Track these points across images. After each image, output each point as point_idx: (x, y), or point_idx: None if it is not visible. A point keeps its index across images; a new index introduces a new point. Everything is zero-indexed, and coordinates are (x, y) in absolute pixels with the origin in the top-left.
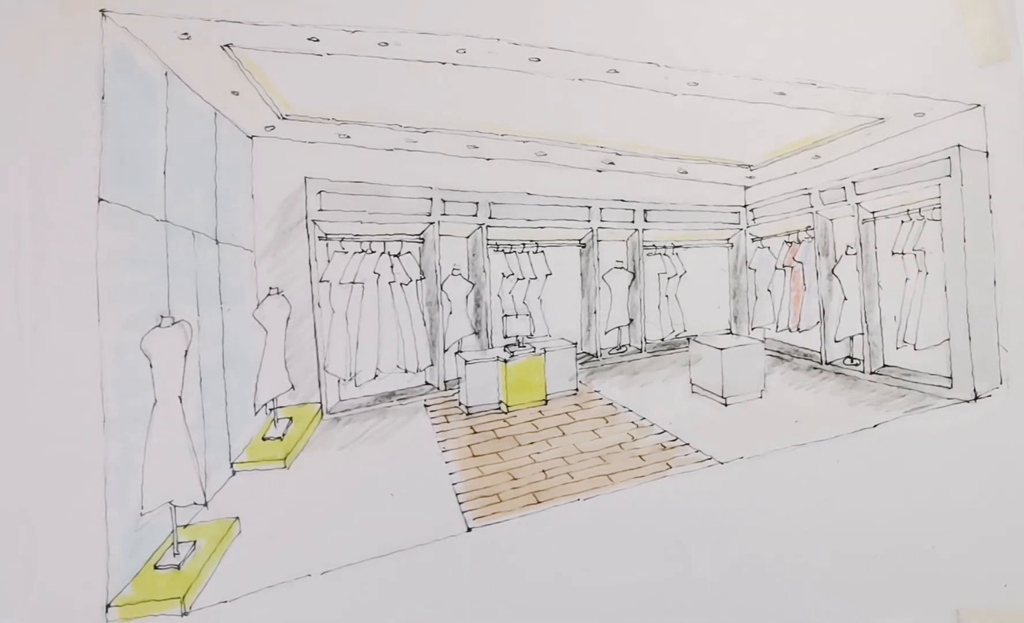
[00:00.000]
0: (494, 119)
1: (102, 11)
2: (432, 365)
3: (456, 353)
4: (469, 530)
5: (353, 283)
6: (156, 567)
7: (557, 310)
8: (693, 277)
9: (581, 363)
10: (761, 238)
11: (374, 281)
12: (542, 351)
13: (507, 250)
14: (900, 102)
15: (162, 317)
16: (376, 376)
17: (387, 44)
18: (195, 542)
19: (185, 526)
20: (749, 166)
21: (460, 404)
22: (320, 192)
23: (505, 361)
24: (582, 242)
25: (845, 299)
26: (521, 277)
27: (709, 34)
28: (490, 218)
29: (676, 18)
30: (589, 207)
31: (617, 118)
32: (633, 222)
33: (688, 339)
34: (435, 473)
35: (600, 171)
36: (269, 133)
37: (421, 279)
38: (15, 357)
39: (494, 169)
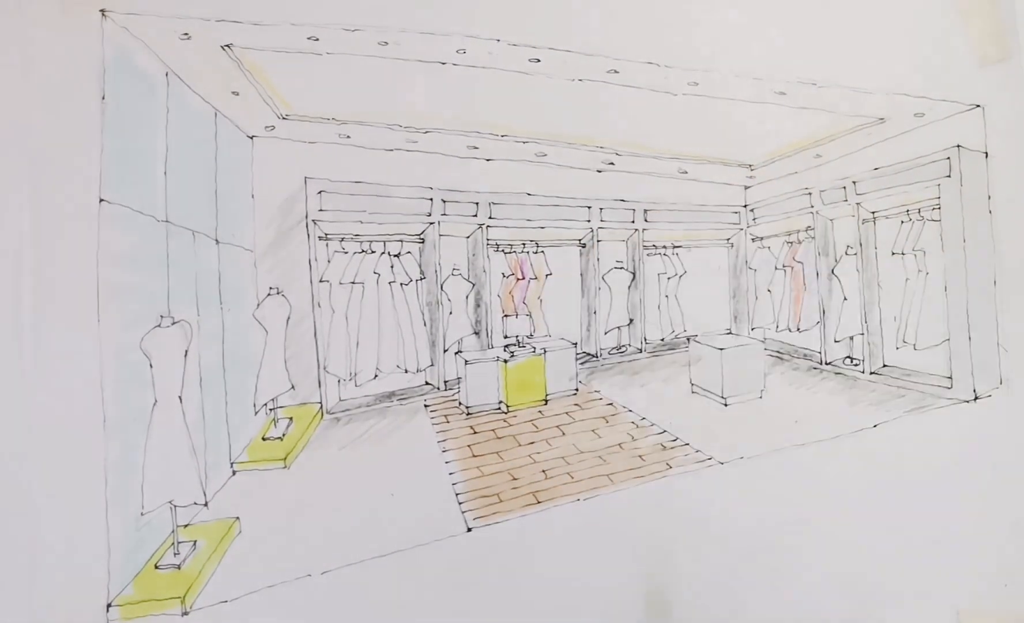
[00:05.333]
0: (494, 119)
1: (102, 11)
2: (432, 365)
3: (456, 353)
4: (469, 530)
5: (353, 283)
6: (157, 567)
7: (557, 310)
8: (693, 277)
9: (581, 363)
10: (761, 238)
11: (374, 281)
12: (542, 351)
13: (507, 250)
14: (900, 102)
15: (162, 317)
16: (376, 376)
17: (387, 44)
18: (195, 542)
19: (185, 526)
20: (750, 166)
21: (460, 404)
22: (320, 192)
23: (505, 361)
24: (582, 242)
25: (845, 299)
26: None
27: (709, 34)
28: (490, 218)
29: (676, 18)
30: (589, 207)
31: (617, 118)
32: (633, 222)
33: (688, 339)
34: (435, 473)
35: (600, 171)
36: (269, 133)
37: (421, 279)
38: (15, 357)
39: (494, 169)
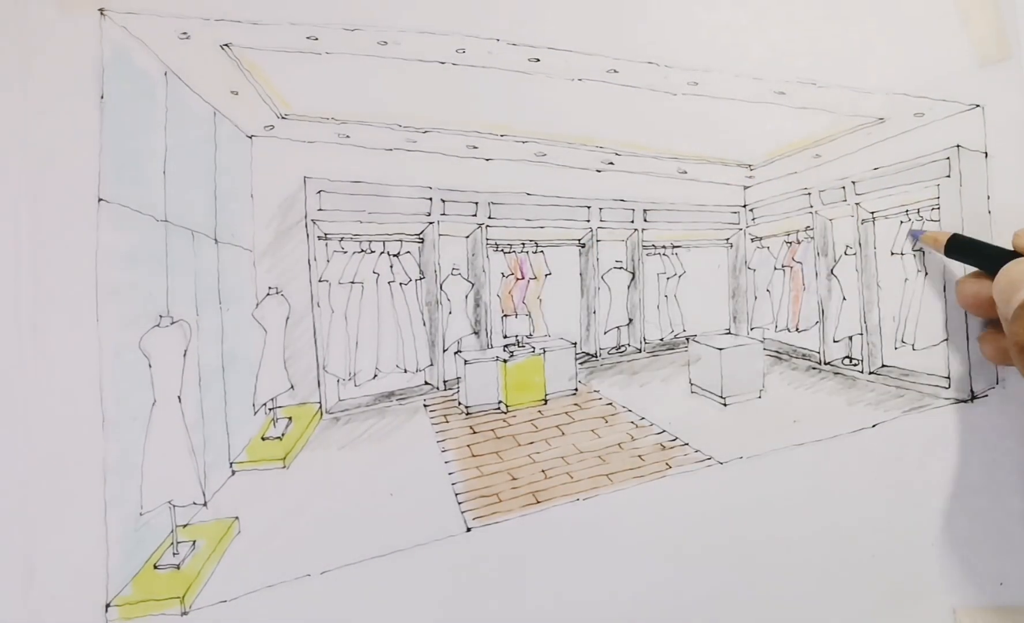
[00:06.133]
0: (494, 119)
1: (101, 10)
2: (432, 365)
3: (456, 353)
4: (469, 530)
5: (352, 283)
6: (156, 567)
7: (557, 310)
8: (693, 277)
9: (580, 363)
10: (760, 238)
11: (373, 281)
12: (541, 351)
13: (507, 250)
14: (900, 102)
15: (161, 317)
16: (375, 376)
17: (386, 43)
18: (194, 542)
19: (184, 526)
20: (749, 166)
21: (459, 404)
22: (319, 192)
23: (505, 361)
24: (581, 242)
25: (844, 299)
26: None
27: (709, 34)
28: (490, 218)
29: (676, 18)
30: (588, 207)
31: (617, 118)
32: (633, 222)
33: (687, 339)
34: (434, 473)
35: (600, 171)
36: (268, 133)
37: (420, 279)
38: (14, 357)
39: (494, 169)
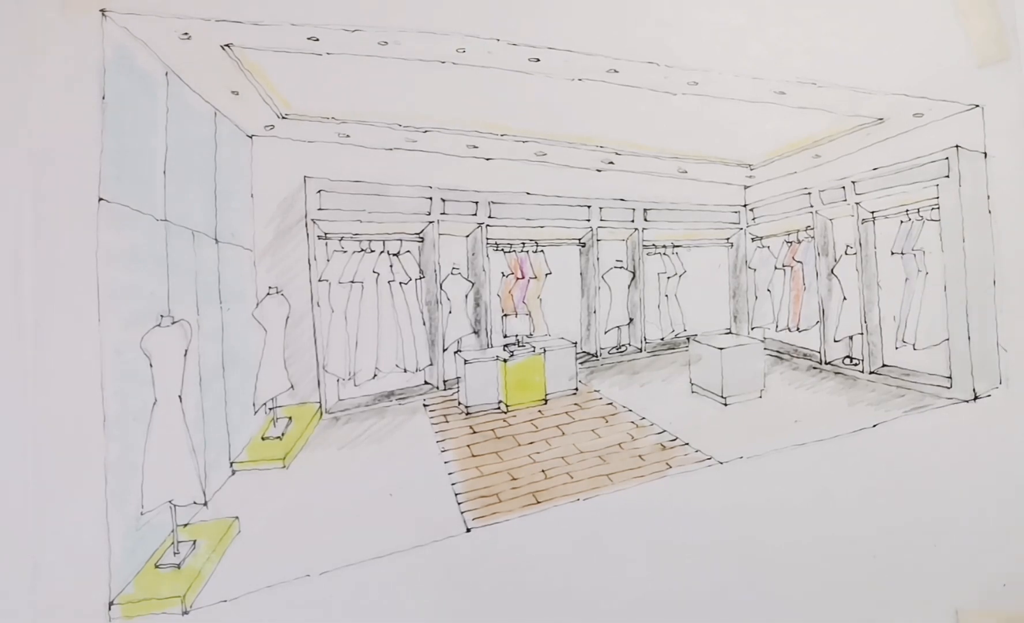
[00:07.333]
0: (494, 118)
1: (103, 11)
2: (431, 364)
3: (455, 352)
4: (468, 530)
5: (352, 282)
6: (157, 566)
7: (557, 309)
8: (693, 277)
9: (581, 363)
10: (761, 238)
11: (373, 280)
12: (542, 350)
13: (507, 250)
14: (899, 102)
15: (162, 316)
16: (375, 375)
17: (387, 43)
18: (195, 541)
19: (185, 525)
20: (749, 165)
21: (459, 404)
22: (319, 191)
23: (505, 360)
24: (582, 242)
25: (844, 299)
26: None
27: (709, 34)
28: (490, 217)
29: (676, 18)
30: (589, 207)
31: (617, 118)
32: (633, 222)
33: (688, 339)
34: (434, 473)
35: (600, 171)
36: (269, 132)
37: (420, 278)
38: (16, 357)
39: (494, 168)
